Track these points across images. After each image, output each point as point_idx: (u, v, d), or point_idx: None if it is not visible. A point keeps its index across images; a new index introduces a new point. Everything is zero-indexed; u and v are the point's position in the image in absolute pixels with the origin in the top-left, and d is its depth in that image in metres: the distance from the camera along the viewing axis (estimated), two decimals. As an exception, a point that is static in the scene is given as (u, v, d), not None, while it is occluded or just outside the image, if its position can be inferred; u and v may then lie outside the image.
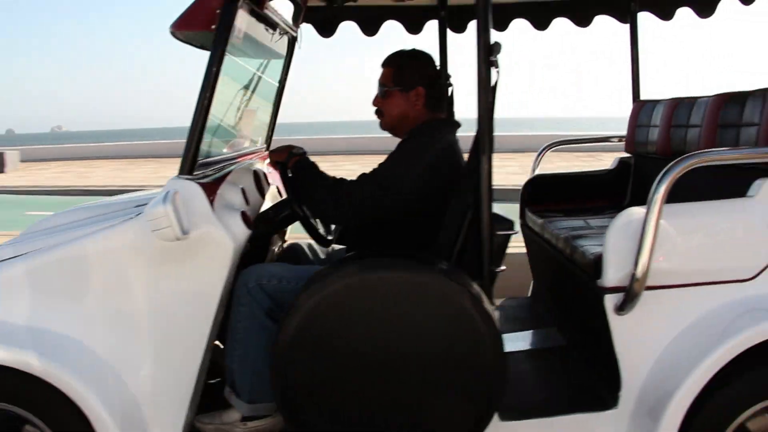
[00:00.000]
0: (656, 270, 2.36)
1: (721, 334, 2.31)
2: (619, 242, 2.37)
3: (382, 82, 2.72)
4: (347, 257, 2.67)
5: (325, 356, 2.27)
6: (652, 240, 2.28)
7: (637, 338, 2.42)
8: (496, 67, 2.32)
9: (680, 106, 3.32)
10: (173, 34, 2.44)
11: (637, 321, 2.40)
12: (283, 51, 3.49)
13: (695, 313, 2.42)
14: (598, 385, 2.64)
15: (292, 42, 3.52)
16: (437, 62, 2.88)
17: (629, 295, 2.32)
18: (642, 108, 3.78)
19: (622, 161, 3.99)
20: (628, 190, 3.84)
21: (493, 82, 2.34)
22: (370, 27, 3.78)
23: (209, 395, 2.64)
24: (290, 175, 2.67)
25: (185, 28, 2.40)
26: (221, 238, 2.35)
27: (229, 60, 2.75)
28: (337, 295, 2.24)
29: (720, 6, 3.63)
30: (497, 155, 2.39)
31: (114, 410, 2.28)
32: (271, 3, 2.76)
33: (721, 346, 2.26)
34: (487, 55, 2.30)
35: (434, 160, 2.53)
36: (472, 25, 3.86)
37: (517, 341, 3.22)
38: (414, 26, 3.79)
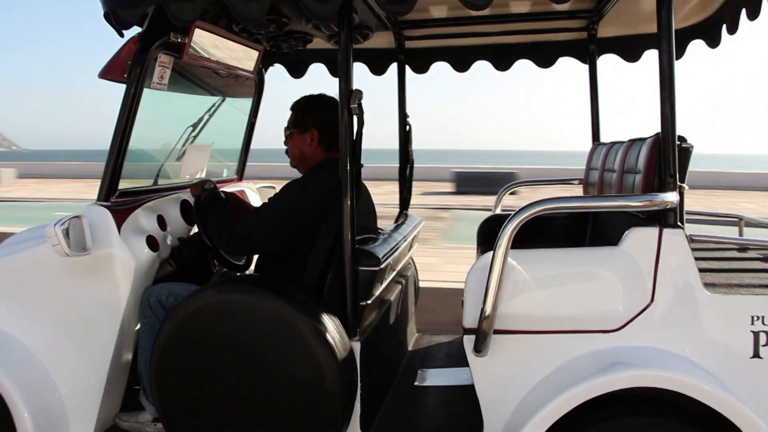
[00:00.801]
0: (514, 315, 2.39)
1: (569, 381, 2.29)
2: (474, 285, 2.42)
3: (286, 125, 2.94)
4: (221, 279, 2.86)
5: (189, 367, 2.51)
6: (496, 283, 2.31)
7: (494, 380, 2.44)
8: (356, 113, 2.46)
9: (611, 149, 3.27)
10: (102, 78, 2.78)
11: (494, 363, 2.42)
12: (250, 92, 3.79)
13: (556, 360, 2.41)
14: (468, 424, 2.67)
15: (258, 83, 3.80)
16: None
17: (478, 335, 2.36)
18: (595, 150, 3.73)
19: None
20: (588, 231, 3.77)
21: (356, 127, 2.48)
22: (335, 68, 3.99)
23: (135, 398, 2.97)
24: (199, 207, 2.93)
25: (107, 77, 2.73)
26: (122, 258, 2.70)
27: (165, 100, 3.08)
28: (197, 312, 2.49)
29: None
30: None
31: (29, 397, 2.67)
32: (214, 50, 3.05)
33: (563, 394, 2.24)
34: (348, 101, 2.45)
35: (313, 196, 2.68)
36: (434, 66, 4.00)
37: (438, 376, 3.26)
38: (377, 68, 3.97)
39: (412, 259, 3.92)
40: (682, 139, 2.51)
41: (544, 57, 3.83)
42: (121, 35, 2.69)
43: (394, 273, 3.12)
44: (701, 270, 2.38)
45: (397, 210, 3.93)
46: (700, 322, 2.35)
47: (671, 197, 2.32)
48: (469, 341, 2.41)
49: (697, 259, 2.38)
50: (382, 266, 2.60)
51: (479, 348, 2.37)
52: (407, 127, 3.84)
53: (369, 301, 2.64)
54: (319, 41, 3.53)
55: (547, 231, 3.63)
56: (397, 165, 3.90)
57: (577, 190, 3.91)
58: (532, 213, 2.30)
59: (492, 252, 2.33)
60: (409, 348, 3.66)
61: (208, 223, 2.85)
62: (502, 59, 3.87)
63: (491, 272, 2.31)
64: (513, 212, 2.34)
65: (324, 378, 2.38)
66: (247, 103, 3.86)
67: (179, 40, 2.79)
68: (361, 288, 2.57)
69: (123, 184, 2.88)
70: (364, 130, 2.57)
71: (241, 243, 2.74)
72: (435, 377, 3.25)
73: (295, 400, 2.42)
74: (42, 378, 2.76)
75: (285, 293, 2.47)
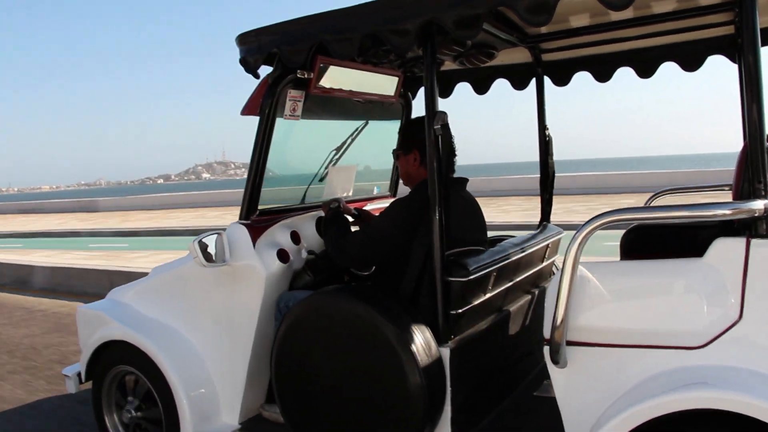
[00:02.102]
0: (591, 327, 2.37)
1: (651, 396, 2.21)
2: (554, 295, 2.43)
3: (395, 147, 3.18)
4: (330, 287, 3.15)
5: (298, 363, 2.87)
6: (566, 293, 2.31)
7: (575, 393, 2.43)
8: (440, 133, 2.63)
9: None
10: (243, 115, 3.28)
11: (574, 375, 2.41)
12: (397, 114, 4.10)
13: (637, 375, 2.32)
14: None
15: (406, 106, 4.10)
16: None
17: (551, 345, 2.38)
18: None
19: None
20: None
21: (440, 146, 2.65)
22: (481, 86, 4.12)
23: None
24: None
25: (247, 113, 3.22)
26: (255, 268, 3.14)
27: (307, 128, 3.52)
28: (304, 315, 2.85)
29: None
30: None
31: (185, 381, 3.25)
32: (346, 81, 3.42)
33: (632, 407, 2.18)
34: (431, 123, 2.63)
35: (410, 212, 2.88)
36: (576, 77, 3.94)
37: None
38: (518, 83, 4.02)
39: (556, 267, 3.91)
40: None
41: (690, 58, 3.58)
42: (256, 77, 3.16)
43: (511, 282, 3.19)
44: None
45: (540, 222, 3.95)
46: None
47: (758, 205, 2.13)
48: (547, 352, 2.44)
49: None
50: (472, 277, 2.71)
51: (555, 358, 2.39)
52: (547, 139, 3.85)
53: (461, 310, 2.76)
54: (501, 57, 3.72)
55: (676, 241, 3.39)
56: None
57: (727, 197, 3.58)
58: (602, 223, 2.27)
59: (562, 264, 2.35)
60: None
61: (327, 238, 3.20)
62: (646, 64, 3.70)
63: (561, 283, 2.32)
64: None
65: (406, 380, 2.57)
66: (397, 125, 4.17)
67: (306, 76, 3.18)
68: (453, 297, 2.71)
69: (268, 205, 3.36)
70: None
71: (348, 255, 3.04)
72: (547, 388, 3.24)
73: (381, 399, 2.64)
74: (199, 369, 3.32)
75: (374, 300, 2.70)
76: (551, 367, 2.44)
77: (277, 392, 2.95)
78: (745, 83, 2.16)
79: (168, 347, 3.33)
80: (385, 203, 4.13)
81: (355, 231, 3.10)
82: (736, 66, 3.48)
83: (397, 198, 3.02)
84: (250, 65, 3.06)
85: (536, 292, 3.55)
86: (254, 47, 3.03)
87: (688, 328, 2.25)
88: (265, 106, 3.12)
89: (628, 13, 3.36)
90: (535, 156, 3.91)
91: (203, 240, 3.04)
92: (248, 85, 3.26)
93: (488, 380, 3.09)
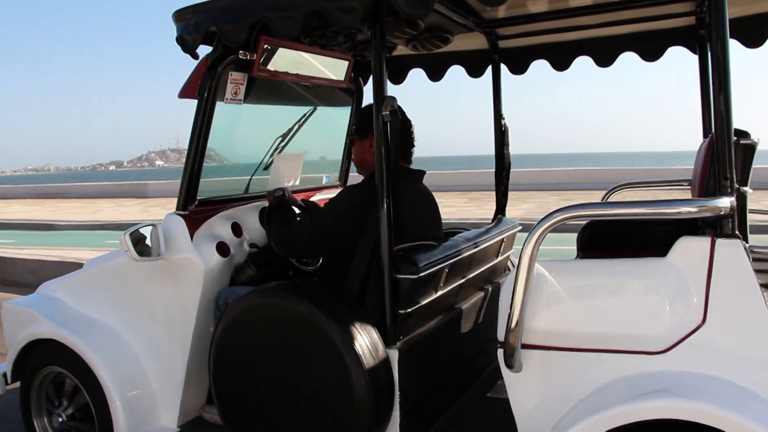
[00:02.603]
0: (548, 329, 2.23)
1: (609, 404, 2.08)
2: (508, 296, 2.28)
3: (348, 132, 2.99)
4: (269, 284, 2.95)
5: (236, 364, 2.68)
6: (521, 294, 2.17)
7: (529, 397, 2.29)
8: (388, 120, 2.44)
9: (701, 147, 2.87)
10: (181, 98, 3.04)
11: (529, 379, 2.28)
12: (348, 101, 3.90)
13: (595, 381, 2.20)
14: None
15: (356, 92, 3.90)
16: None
17: (505, 349, 2.23)
18: (700, 147, 3.27)
19: None
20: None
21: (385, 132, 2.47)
22: (435, 73, 3.96)
23: None
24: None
25: (184, 96, 2.99)
26: (193, 262, 2.93)
27: (251, 112, 3.28)
28: (242, 314, 2.65)
29: None
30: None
31: (119, 381, 3.02)
32: (292, 64, 3.20)
33: (590, 416, 2.05)
34: (379, 107, 2.44)
35: (360, 202, 2.69)
36: (533, 65, 3.81)
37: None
38: (473, 70, 3.87)
39: (511, 262, 3.78)
40: (743, 134, 2.18)
41: (650, 48, 3.47)
42: (195, 57, 2.92)
43: (464, 279, 3.03)
44: (764, 286, 2.04)
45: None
46: (762, 347, 2.01)
47: (725, 203, 2.01)
48: (501, 355, 2.29)
49: (759, 272, 2.04)
50: (422, 275, 2.55)
51: (509, 362, 2.25)
52: (503, 129, 3.71)
53: (410, 309, 2.59)
54: (456, 43, 3.55)
55: (634, 236, 3.29)
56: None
57: (686, 193, 3.49)
58: (558, 220, 2.13)
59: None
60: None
61: (270, 227, 2.99)
62: (605, 53, 3.58)
63: (516, 283, 2.18)
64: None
65: (351, 383, 2.40)
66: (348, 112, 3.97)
67: (248, 57, 2.95)
68: (402, 295, 2.54)
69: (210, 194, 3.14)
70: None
71: (292, 245, 2.86)
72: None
73: (324, 403, 2.47)
74: (135, 369, 3.10)
75: (317, 299, 2.52)
76: (505, 371, 2.30)
77: (216, 393, 2.75)
78: (712, 75, 2.03)
79: (100, 345, 3.09)
80: (335, 194, 3.94)
81: (301, 219, 2.89)
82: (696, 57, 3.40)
83: (347, 186, 2.83)
84: (187, 44, 2.82)
85: (490, 289, 3.40)
86: (191, 25, 2.78)
87: (649, 331, 2.13)
88: (204, 89, 2.89)
89: (587, 0, 3.23)
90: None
91: (139, 231, 2.81)
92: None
93: (439, 382, 2.94)
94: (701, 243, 2.08)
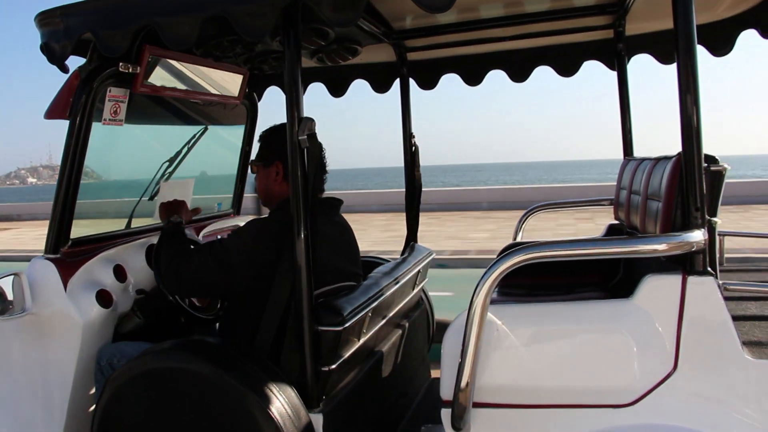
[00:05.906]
0: (501, 385, 1.96)
1: None
2: (452, 348, 1.99)
3: (252, 158, 2.60)
4: (164, 343, 2.51)
5: None
6: (474, 347, 1.88)
7: None
8: (305, 145, 2.08)
9: (639, 167, 2.74)
10: (47, 119, 2.52)
11: None
12: (241, 119, 3.48)
13: None
14: None
15: (251, 108, 3.49)
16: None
17: (454, 409, 1.93)
18: (626, 166, 3.17)
19: (612, 227, 3.35)
20: (621, 263, 3.22)
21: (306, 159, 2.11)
22: (337, 87, 3.63)
23: None
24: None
25: (53, 117, 2.47)
26: (67, 317, 2.44)
27: (133, 135, 2.79)
28: (134, 381, 2.18)
29: None
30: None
31: None
32: (181, 78, 2.76)
33: None
34: (295, 132, 2.08)
35: (269, 238, 2.31)
36: (444, 79, 3.58)
37: None
38: (380, 85, 3.59)
39: (424, 293, 3.50)
40: (711, 159, 2.02)
41: (566, 63, 3.34)
42: (64, 70, 2.42)
43: (385, 320, 2.71)
44: (738, 327, 1.87)
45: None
46: (739, 394, 1.84)
47: (697, 237, 1.83)
48: (447, 416, 1.99)
49: (733, 314, 1.88)
50: (347, 325, 2.20)
51: (457, 425, 1.95)
52: (413, 148, 3.43)
53: (334, 366, 2.23)
54: (361, 56, 3.21)
55: (574, 263, 3.12)
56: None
57: (608, 212, 3.37)
58: (516, 262, 1.86)
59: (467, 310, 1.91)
60: (420, 396, 3.22)
61: (162, 255, 2.51)
62: (519, 68, 3.41)
63: (468, 334, 1.89)
64: (498, 258, 1.91)
65: None
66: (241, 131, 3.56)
67: (130, 70, 2.49)
68: (325, 350, 2.18)
69: (84, 231, 2.63)
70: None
71: (186, 280, 2.40)
72: None
73: None
74: None
75: (224, 359, 2.11)
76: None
77: None
78: (679, 88, 1.84)
79: None
80: (229, 223, 3.50)
81: (199, 249, 2.45)
82: (614, 73, 3.29)
83: (254, 218, 2.43)
84: (54, 54, 2.32)
85: (407, 325, 3.09)
86: (60, 30, 2.28)
87: (615, 383, 1.92)
88: (76, 109, 2.40)
89: (498, 11, 3.03)
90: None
91: None
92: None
93: None
94: (671, 281, 1.89)
